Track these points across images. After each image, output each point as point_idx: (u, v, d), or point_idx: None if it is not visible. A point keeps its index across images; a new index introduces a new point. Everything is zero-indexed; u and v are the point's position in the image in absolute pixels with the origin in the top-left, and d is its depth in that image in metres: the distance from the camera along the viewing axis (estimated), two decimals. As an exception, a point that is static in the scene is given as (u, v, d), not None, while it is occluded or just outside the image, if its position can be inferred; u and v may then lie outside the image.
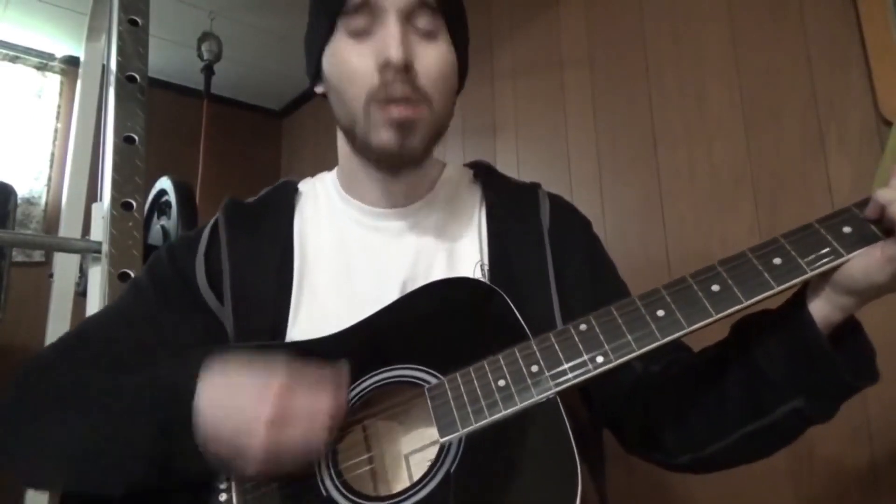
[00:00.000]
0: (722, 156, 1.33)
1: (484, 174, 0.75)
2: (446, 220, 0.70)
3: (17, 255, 2.21)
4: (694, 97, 1.40)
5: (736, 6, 1.35)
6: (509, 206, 0.71)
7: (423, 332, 0.58)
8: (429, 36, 0.62)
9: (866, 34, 1.12)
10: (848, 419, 1.08)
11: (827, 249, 0.47)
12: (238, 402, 0.49)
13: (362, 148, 0.64)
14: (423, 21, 0.61)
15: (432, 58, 0.62)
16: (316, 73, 0.68)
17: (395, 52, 0.58)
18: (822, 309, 0.49)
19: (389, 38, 0.59)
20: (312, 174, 0.79)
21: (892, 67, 1.08)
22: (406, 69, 0.59)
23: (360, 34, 0.61)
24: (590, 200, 1.59)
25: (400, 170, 0.66)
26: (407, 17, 0.60)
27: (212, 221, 0.71)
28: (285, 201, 0.73)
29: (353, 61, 0.61)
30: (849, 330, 0.51)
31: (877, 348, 0.51)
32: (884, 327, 1.05)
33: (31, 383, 0.58)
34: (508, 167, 1.82)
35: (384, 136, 0.61)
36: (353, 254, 0.68)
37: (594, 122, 1.63)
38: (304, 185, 0.76)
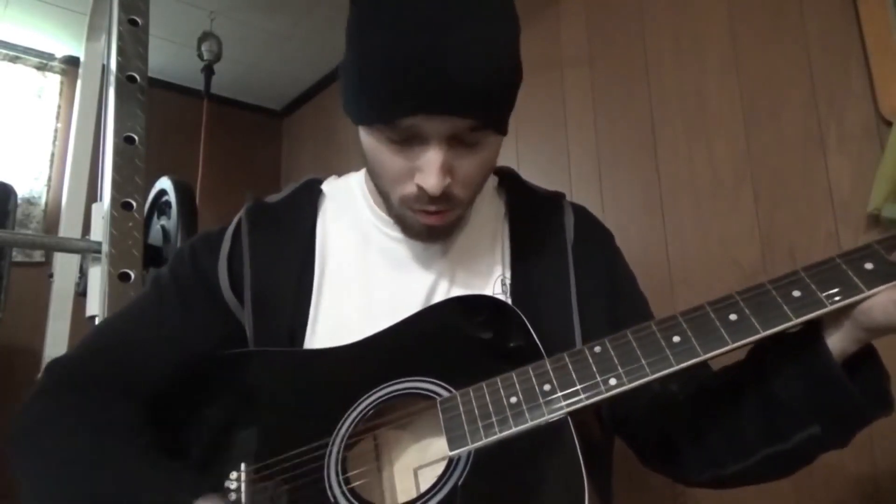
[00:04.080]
0: (722, 156, 1.33)
1: (509, 183, 0.75)
2: (470, 231, 0.69)
3: (17, 255, 2.21)
4: (694, 97, 1.40)
5: (736, 6, 1.35)
6: (533, 218, 0.70)
7: (438, 346, 0.58)
8: (472, 147, 0.57)
9: (866, 34, 1.12)
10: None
11: (847, 286, 0.47)
12: None
13: (393, 215, 0.64)
14: (467, 137, 0.56)
15: (473, 167, 0.58)
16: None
17: (432, 186, 0.55)
18: (839, 341, 0.49)
19: (430, 165, 0.55)
20: (324, 175, 0.78)
21: (892, 67, 1.08)
22: (444, 189, 0.56)
23: (401, 144, 0.56)
24: (590, 200, 1.58)
25: None
26: (452, 140, 0.56)
27: (234, 222, 0.70)
28: (309, 203, 0.72)
29: (392, 167, 0.58)
30: (864, 357, 0.50)
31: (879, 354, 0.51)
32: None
33: (54, 403, 0.60)
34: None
35: (416, 230, 0.62)
36: (376, 261, 0.67)
37: (594, 122, 1.63)
38: (329, 186, 0.75)
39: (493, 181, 0.76)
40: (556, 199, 0.73)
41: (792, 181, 1.21)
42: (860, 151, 1.12)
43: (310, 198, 0.73)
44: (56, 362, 0.63)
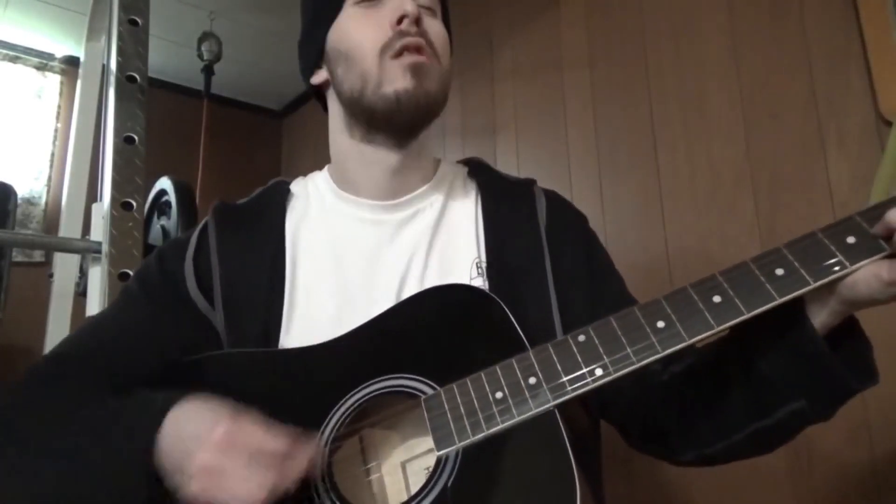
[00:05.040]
0: (722, 156, 1.33)
1: (478, 170, 0.75)
2: (442, 215, 0.69)
3: (17, 255, 2.21)
4: (694, 97, 1.40)
5: (736, 6, 1.35)
6: (505, 201, 0.70)
7: (418, 340, 0.57)
8: (431, 12, 0.68)
9: (866, 34, 1.12)
10: (848, 419, 1.07)
11: (831, 261, 0.46)
12: (187, 441, 0.47)
13: (373, 108, 0.65)
14: (426, 0, 0.68)
15: (436, 28, 0.68)
16: (316, 61, 0.71)
17: (410, 7, 0.63)
18: (821, 315, 0.49)
19: (402, 1, 0.63)
20: (294, 177, 0.78)
21: (892, 67, 1.08)
22: (418, 22, 0.64)
23: (369, 4, 0.66)
24: (590, 200, 1.58)
25: (414, 127, 0.68)
26: None
27: (200, 225, 0.70)
28: (276, 202, 0.72)
29: (366, 24, 0.65)
30: (847, 329, 0.50)
31: (876, 347, 0.51)
32: (883, 326, 1.05)
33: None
34: (508, 167, 1.82)
35: (401, 82, 0.63)
36: (347, 252, 0.67)
37: (594, 122, 1.63)
38: (296, 186, 0.75)
39: (463, 170, 0.76)
40: (528, 184, 0.74)
41: (792, 181, 1.21)
42: (860, 151, 1.12)
43: (278, 197, 0.72)
44: (30, 367, 0.62)
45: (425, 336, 0.57)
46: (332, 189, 0.71)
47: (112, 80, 1.15)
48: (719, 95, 1.35)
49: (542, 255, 0.65)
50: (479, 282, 0.64)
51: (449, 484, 0.48)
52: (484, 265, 0.65)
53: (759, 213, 1.25)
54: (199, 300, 0.65)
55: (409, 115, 0.65)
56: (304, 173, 0.78)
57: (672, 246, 1.40)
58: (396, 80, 0.63)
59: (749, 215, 1.27)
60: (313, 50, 0.71)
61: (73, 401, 0.56)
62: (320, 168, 0.77)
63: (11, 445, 0.55)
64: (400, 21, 0.63)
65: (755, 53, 1.30)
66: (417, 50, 0.63)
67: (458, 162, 0.78)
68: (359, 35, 0.65)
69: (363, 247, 0.67)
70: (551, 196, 0.73)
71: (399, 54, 0.63)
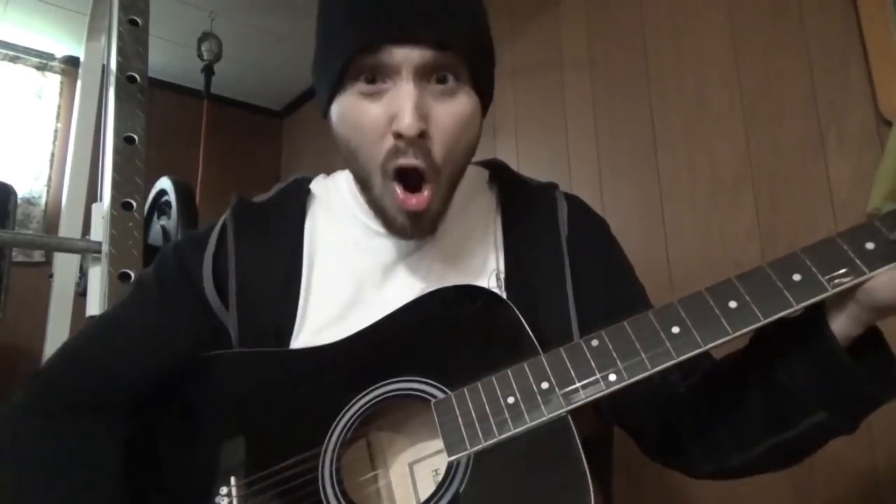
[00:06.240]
0: (722, 156, 1.33)
1: (500, 176, 0.74)
2: (461, 226, 0.68)
3: (17, 255, 2.21)
4: (694, 97, 1.40)
5: (736, 6, 1.35)
6: (526, 211, 0.69)
7: (428, 342, 0.56)
8: (446, 92, 0.57)
9: (866, 34, 1.12)
10: (848, 419, 1.08)
11: (849, 267, 0.45)
12: None
13: (376, 208, 0.61)
14: (441, 76, 0.56)
15: (449, 116, 0.57)
16: (326, 109, 0.63)
17: (406, 125, 0.53)
18: (842, 323, 0.47)
19: (403, 105, 0.54)
20: (313, 174, 0.77)
21: (892, 67, 1.08)
22: (420, 135, 0.55)
23: (372, 92, 0.56)
24: (590, 200, 1.57)
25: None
26: (422, 75, 0.56)
27: (220, 222, 0.69)
28: (296, 203, 0.70)
29: (366, 122, 0.57)
30: (870, 340, 0.49)
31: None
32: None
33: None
34: (508, 167, 1.82)
35: (399, 220, 0.59)
36: (364, 261, 0.66)
37: (594, 122, 1.63)
38: (317, 186, 0.73)
39: (484, 174, 0.74)
40: (549, 190, 0.72)
41: (792, 181, 1.21)
42: (860, 152, 1.12)
43: (298, 197, 0.71)
44: (34, 380, 0.62)
45: (434, 337, 0.56)
46: (354, 196, 0.69)
47: (112, 80, 1.15)
48: (719, 95, 1.35)
49: (563, 266, 0.64)
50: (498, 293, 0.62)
51: (461, 490, 0.47)
52: (503, 276, 0.64)
53: (759, 213, 1.25)
54: (213, 299, 0.64)
55: (414, 237, 0.62)
56: (305, 173, 0.78)
57: (672, 246, 1.40)
58: (395, 215, 0.58)
59: (749, 215, 1.27)
60: (322, 97, 0.63)
61: (62, 453, 0.56)
62: (321, 168, 0.76)
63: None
64: (397, 136, 0.55)
65: (755, 53, 1.30)
66: (415, 173, 0.56)
67: (479, 164, 0.75)
68: (359, 134, 0.57)
69: (381, 256, 0.65)
70: (573, 202, 0.71)
71: (396, 177, 0.57)
